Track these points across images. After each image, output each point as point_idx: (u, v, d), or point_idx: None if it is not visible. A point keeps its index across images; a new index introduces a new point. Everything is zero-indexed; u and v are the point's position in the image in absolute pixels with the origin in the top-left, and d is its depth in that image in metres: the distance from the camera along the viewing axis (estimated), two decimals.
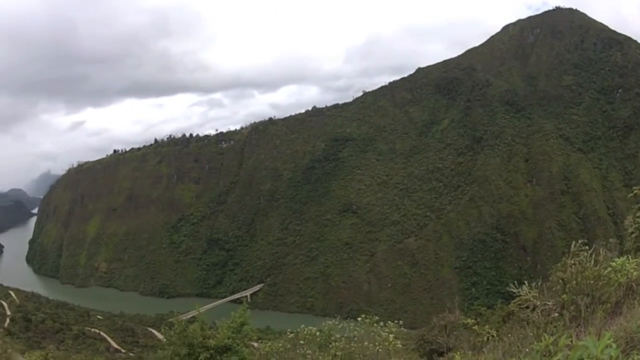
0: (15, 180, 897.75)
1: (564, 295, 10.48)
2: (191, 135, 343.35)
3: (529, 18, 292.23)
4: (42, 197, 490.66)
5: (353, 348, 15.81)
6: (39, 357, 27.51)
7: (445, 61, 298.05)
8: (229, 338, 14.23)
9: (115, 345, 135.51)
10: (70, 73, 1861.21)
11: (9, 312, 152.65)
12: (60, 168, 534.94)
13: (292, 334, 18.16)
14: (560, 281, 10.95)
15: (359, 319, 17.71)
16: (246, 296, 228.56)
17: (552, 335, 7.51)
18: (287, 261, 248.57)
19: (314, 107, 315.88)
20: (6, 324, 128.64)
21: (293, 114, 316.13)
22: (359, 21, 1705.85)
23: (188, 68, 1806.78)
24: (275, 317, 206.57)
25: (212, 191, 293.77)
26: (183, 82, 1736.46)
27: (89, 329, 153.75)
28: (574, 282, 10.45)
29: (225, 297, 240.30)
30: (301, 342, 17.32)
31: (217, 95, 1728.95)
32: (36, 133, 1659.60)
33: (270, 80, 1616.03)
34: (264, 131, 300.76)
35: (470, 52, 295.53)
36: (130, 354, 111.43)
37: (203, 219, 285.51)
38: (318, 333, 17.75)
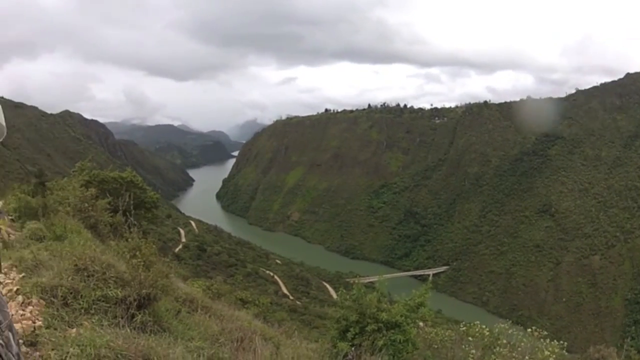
0: (218, 123, 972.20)
1: None
2: (405, 105, 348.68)
3: None
4: (244, 142, 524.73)
5: (513, 358, 15.73)
6: (201, 285, 27.09)
7: None
8: (401, 315, 14.17)
9: (285, 291, 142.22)
10: (283, 31, 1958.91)
11: (183, 240, 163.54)
12: (267, 118, 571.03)
13: (464, 328, 18.11)
14: None
15: (529, 330, 17.58)
16: (429, 275, 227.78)
17: None
18: (477, 250, 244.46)
19: (529, 97, 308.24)
20: (177, 250, 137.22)
21: (507, 100, 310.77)
22: (578, 15, 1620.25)
23: (405, 39, 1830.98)
24: (448, 302, 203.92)
25: (419, 164, 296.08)
26: (400, 52, 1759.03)
27: (264, 270, 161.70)
28: None
29: (409, 270, 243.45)
30: (469, 338, 17.16)
31: (435, 70, 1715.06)
32: (243, 83, 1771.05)
33: (486, 62, 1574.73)
34: (478, 113, 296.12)
35: None
36: (297, 302, 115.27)
37: (405, 190, 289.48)
38: (487, 333, 17.48)
